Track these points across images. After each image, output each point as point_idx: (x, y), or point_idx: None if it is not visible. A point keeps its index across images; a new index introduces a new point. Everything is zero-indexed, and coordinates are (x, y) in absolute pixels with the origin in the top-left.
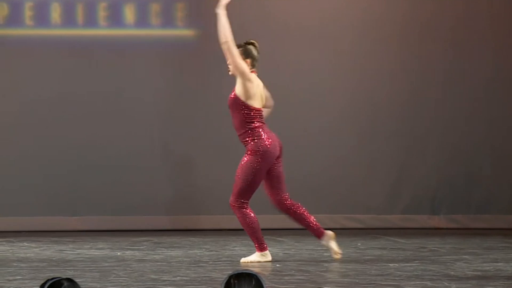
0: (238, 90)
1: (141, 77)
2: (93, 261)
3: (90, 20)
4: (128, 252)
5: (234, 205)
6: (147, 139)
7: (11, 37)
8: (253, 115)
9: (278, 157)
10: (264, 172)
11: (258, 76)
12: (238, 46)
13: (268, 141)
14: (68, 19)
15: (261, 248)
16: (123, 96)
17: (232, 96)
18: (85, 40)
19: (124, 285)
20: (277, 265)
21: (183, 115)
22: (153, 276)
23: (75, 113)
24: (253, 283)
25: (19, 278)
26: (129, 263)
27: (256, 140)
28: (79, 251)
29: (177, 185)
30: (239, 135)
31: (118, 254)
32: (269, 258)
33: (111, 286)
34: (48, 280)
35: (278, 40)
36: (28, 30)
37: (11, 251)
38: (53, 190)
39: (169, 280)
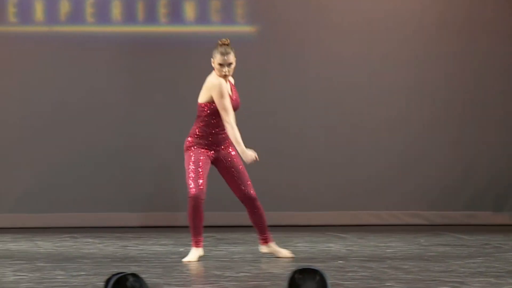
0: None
1: (201, 74)
2: (156, 257)
3: (151, 17)
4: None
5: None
6: None
7: (72, 34)
8: None
9: None
10: None
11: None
12: (228, 52)
13: None
14: (129, 16)
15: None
16: (183, 93)
17: (239, 100)
18: (146, 37)
19: (187, 281)
20: (340, 262)
21: (246, 112)
22: (216, 272)
23: (138, 109)
24: (317, 278)
25: (83, 274)
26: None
27: None
28: (142, 247)
29: None
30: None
31: (181, 250)
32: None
33: (175, 282)
34: (113, 275)
35: (337, 35)
36: (89, 27)
37: (74, 247)
38: (117, 187)
39: (232, 276)
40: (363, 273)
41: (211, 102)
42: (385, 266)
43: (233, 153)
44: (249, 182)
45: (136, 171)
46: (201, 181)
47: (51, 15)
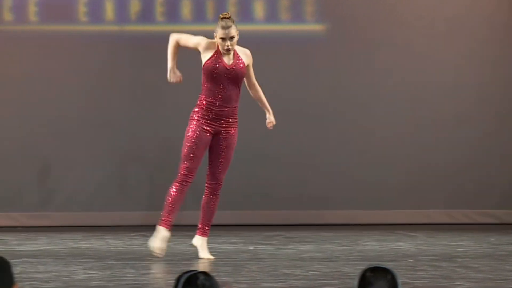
0: (247, 62)
1: (272, 72)
2: (226, 255)
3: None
4: (260, 247)
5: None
6: (289, 134)
7: (142, 33)
8: None
9: None
10: None
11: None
12: (229, 26)
13: None
14: (199, 15)
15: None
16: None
17: (243, 67)
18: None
19: (257, 279)
20: (410, 260)
21: (316, 110)
22: (285, 271)
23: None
24: (388, 277)
25: (153, 272)
26: (262, 258)
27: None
28: (212, 245)
29: (311, 180)
30: (232, 108)
31: (251, 248)
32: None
33: (244, 280)
34: (184, 273)
35: (407, 33)
36: (159, 26)
37: (144, 245)
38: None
39: (301, 275)
40: (433, 272)
41: (202, 65)
42: (455, 265)
43: (231, 136)
44: (226, 169)
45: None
46: (193, 163)
47: (122, 14)
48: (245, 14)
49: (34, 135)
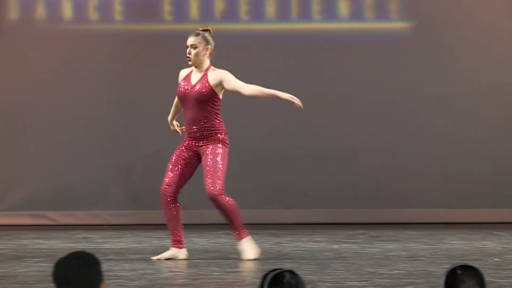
0: (214, 82)
1: (353, 71)
2: (310, 254)
3: (304, 14)
4: (345, 245)
5: (222, 193)
6: (372, 133)
7: (227, 32)
8: (219, 107)
9: None
10: None
11: None
12: (196, 34)
13: None
14: (283, 13)
15: (244, 234)
16: (339, 90)
17: (200, 89)
18: (298, 35)
19: (341, 278)
20: (496, 259)
21: (394, 107)
22: (370, 270)
23: (285, 109)
24: (477, 276)
25: (238, 271)
26: (346, 256)
27: (225, 132)
28: (296, 244)
29: (394, 179)
30: (203, 127)
31: (335, 247)
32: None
33: (329, 278)
34: (270, 271)
35: (492, 35)
36: (243, 25)
37: (229, 243)
38: (269, 184)
39: (386, 274)
40: None
41: None
42: None
43: (207, 151)
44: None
45: (291, 168)
46: (167, 179)
47: (206, 13)
48: (330, 12)
49: (124, 135)
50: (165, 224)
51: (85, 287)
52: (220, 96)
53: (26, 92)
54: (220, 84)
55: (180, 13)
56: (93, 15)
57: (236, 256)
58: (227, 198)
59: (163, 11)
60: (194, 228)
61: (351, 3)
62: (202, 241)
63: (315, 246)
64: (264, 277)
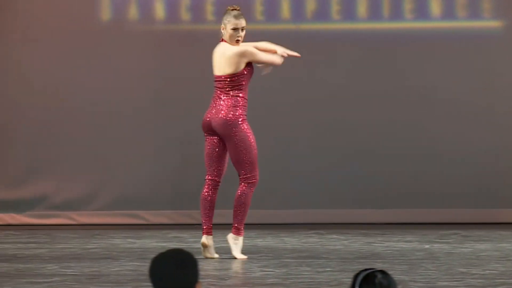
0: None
1: (445, 69)
2: (401, 254)
3: (396, 13)
4: (436, 245)
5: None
6: (439, 132)
7: (318, 31)
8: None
9: (216, 134)
10: (208, 143)
11: None
12: (242, 15)
13: (205, 115)
14: (374, 13)
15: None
16: (431, 89)
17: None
18: (390, 34)
19: (433, 278)
20: None
21: (502, 111)
22: (461, 270)
23: (375, 108)
24: None
25: (329, 270)
26: (438, 256)
27: None
28: (387, 243)
29: (484, 177)
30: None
31: (427, 247)
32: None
33: (420, 278)
34: (361, 271)
35: None
36: (334, 25)
37: (320, 243)
38: (360, 183)
39: (478, 274)
40: None
41: (240, 70)
42: None
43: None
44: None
45: (382, 167)
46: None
47: (297, 12)
48: (421, 11)
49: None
50: (256, 224)
51: (180, 285)
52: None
53: (117, 92)
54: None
55: (271, 13)
56: (185, 15)
57: (327, 256)
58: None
59: (255, 11)
60: (285, 228)
61: (443, 2)
62: (292, 240)
63: (406, 246)
64: (355, 277)
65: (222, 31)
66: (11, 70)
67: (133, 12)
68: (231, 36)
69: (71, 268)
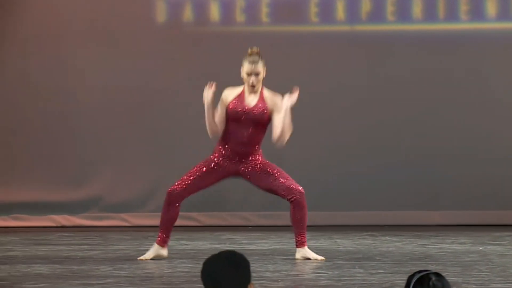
0: (271, 104)
1: (503, 72)
2: (455, 256)
3: (452, 14)
4: (490, 247)
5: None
6: (495, 134)
7: (372, 32)
8: None
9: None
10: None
11: None
12: (257, 61)
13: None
14: (430, 14)
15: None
16: (489, 90)
17: (265, 110)
18: (445, 35)
19: (486, 280)
20: None
21: None
22: None
23: (431, 109)
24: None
25: (382, 272)
26: (492, 258)
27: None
28: (440, 245)
29: None
30: (255, 149)
31: (480, 249)
32: None
33: (473, 280)
34: (415, 273)
35: None
36: (389, 26)
37: (373, 245)
38: (413, 185)
39: None
40: None
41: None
42: None
43: (256, 168)
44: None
45: (437, 169)
46: (184, 184)
47: (352, 14)
48: (478, 13)
49: None
50: (310, 226)
51: (233, 287)
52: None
53: (172, 93)
54: (273, 107)
55: (326, 14)
56: (239, 17)
57: (380, 258)
58: None
59: (309, 12)
60: (338, 230)
61: (499, 2)
62: (345, 242)
63: (459, 248)
64: (409, 279)
65: (241, 74)
66: (71, 71)
67: (188, 14)
68: (245, 81)
69: (124, 269)
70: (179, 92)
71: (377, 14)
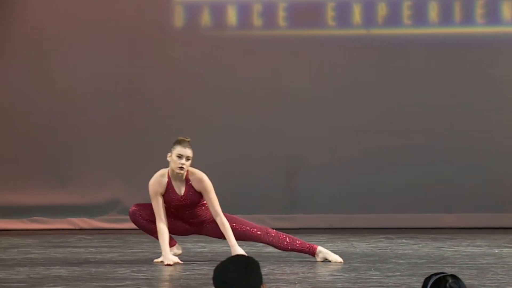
0: (198, 189)
1: None
2: (470, 258)
3: (468, 18)
4: (506, 250)
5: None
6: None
7: (389, 36)
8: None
9: None
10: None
11: None
12: (189, 145)
13: None
14: (446, 18)
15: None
16: (505, 93)
17: (194, 195)
18: (462, 38)
19: (502, 282)
20: None
21: None
22: None
23: (444, 111)
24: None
25: (398, 275)
26: (507, 261)
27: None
28: (456, 248)
29: None
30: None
31: (496, 251)
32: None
33: (489, 283)
34: (432, 275)
35: None
36: (406, 30)
37: (390, 247)
38: (429, 187)
39: None
40: None
41: None
42: None
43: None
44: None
45: (452, 171)
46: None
47: (369, 18)
48: (494, 16)
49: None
50: (326, 228)
51: None
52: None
53: (190, 96)
54: (202, 192)
55: (343, 18)
56: (257, 21)
57: (396, 260)
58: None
59: (326, 16)
60: (354, 232)
61: None
62: (361, 245)
63: (475, 250)
64: (426, 281)
65: (168, 159)
66: (83, 75)
67: (205, 18)
68: (174, 163)
69: (142, 272)
70: (196, 95)
71: (393, 18)
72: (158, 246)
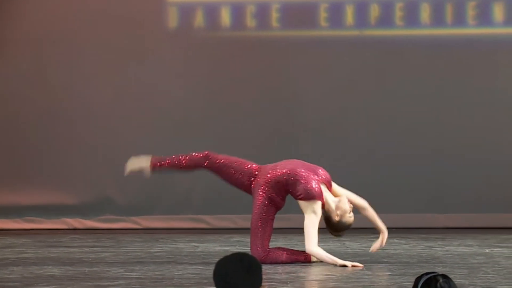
0: None
1: (509, 77)
2: (461, 258)
3: (459, 19)
4: (496, 250)
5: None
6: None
7: (381, 38)
8: None
9: None
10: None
11: None
12: None
13: None
14: (437, 19)
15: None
16: (497, 94)
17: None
18: (453, 40)
19: (493, 282)
20: None
21: None
22: None
23: (440, 112)
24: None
25: (389, 274)
26: (498, 261)
27: None
28: (447, 247)
29: None
30: None
31: (487, 251)
32: None
33: (480, 282)
34: (423, 275)
35: None
36: (398, 31)
37: (381, 247)
38: (420, 187)
39: None
40: None
41: None
42: None
43: None
44: None
45: (443, 172)
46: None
47: (361, 19)
48: (485, 18)
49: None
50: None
51: None
52: None
53: (185, 97)
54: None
55: (336, 19)
56: (250, 22)
57: (388, 260)
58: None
59: (319, 17)
60: (346, 232)
61: (506, 8)
62: (353, 244)
63: (466, 250)
64: (417, 281)
65: None
66: (81, 75)
67: (199, 19)
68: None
69: (135, 271)
70: (189, 96)
71: (385, 19)
72: (152, 246)
